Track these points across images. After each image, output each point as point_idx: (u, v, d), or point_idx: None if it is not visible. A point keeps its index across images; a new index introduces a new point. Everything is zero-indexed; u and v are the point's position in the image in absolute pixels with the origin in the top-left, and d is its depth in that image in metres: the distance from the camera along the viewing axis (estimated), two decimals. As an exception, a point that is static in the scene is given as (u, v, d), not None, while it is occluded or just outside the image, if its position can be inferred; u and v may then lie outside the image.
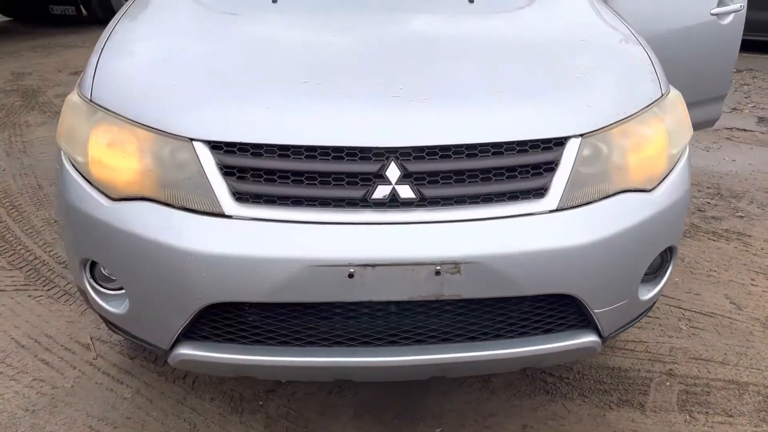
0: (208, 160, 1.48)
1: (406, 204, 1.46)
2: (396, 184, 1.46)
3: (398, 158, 1.46)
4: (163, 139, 1.53)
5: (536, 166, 1.52)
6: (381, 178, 1.46)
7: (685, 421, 2.05)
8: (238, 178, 1.48)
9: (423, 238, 1.44)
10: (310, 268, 1.42)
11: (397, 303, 1.51)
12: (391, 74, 1.67)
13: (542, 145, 1.52)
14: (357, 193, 1.46)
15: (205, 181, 1.47)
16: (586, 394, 2.15)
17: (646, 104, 1.68)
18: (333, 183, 1.47)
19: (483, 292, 1.48)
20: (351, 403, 2.11)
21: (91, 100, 1.67)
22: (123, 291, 1.64)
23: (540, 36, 1.93)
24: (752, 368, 2.28)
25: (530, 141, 1.52)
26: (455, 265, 1.43)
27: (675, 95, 1.82)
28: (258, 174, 1.48)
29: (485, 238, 1.45)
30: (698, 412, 2.08)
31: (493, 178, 1.50)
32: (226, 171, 1.48)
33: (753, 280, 2.81)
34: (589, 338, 1.63)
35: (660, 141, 1.67)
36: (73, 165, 1.67)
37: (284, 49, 1.82)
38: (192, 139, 1.50)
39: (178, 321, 1.56)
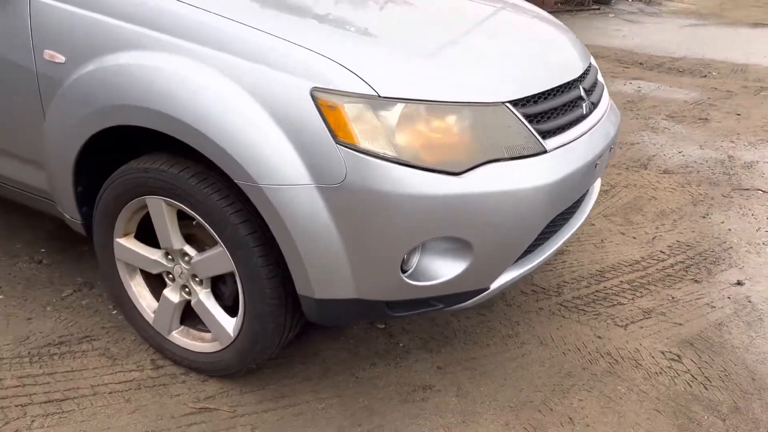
0: (519, 115, 1.86)
1: (591, 111, 2.20)
2: (587, 100, 2.17)
3: (578, 83, 2.17)
4: (482, 109, 1.79)
5: (597, 81, 2.44)
6: (582, 99, 2.14)
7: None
8: (536, 122, 1.91)
9: (606, 128, 2.22)
10: (588, 166, 2.04)
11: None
12: (499, 30, 2.27)
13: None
14: (581, 111, 2.11)
15: (527, 131, 1.85)
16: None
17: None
18: (570, 108, 2.07)
19: (608, 158, 2.37)
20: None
21: (380, 96, 1.68)
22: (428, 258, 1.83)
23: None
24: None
25: (591, 64, 2.42)
26: (612, 143, 2.28)
27: None
28: (541, 115, 1.94)
29: (614, 121, 2.34)
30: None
31: (596, 88, 2.35)
32: (529, 119, 1.89)
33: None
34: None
35: None
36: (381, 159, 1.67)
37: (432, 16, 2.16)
38: (503, 103, 1.83)
39: (516, 253, 1.92)
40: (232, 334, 2.00)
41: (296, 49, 1.72)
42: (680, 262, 3.06)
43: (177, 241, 1.99)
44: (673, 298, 2.77)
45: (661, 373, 2.31)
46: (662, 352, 2.42)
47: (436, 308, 1.94)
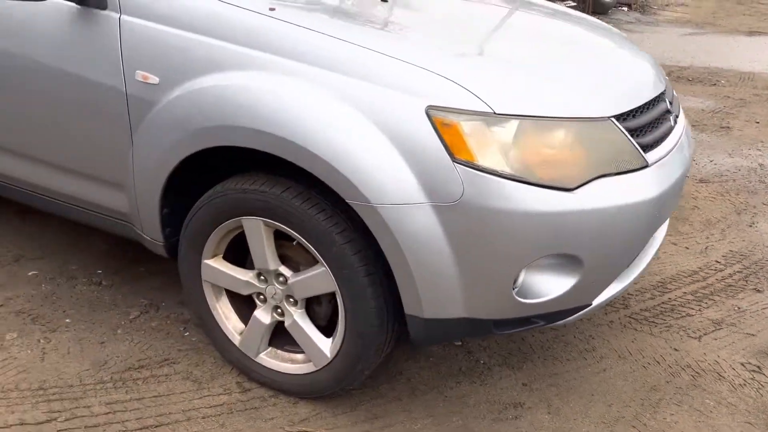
0: (624, 130, 1.85)
1: (675, 124, 2.20)
2: (672, 112, 2.17)
3: (664, 95, 2.17)
4: (591, 124, 1.79)
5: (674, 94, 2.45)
6: (669, 112, 2.15)
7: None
8: (636, 136, 1.91)
9: (687, 141, 2.23)
10: (681, 179, 2.04)
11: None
12: (582, 44, 2.27)
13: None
14: (669, 124, 2.11)
15: (631, 145, 1.85)
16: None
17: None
18: (660, 122, 2.07)
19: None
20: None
21: (495, 113, 1.67)
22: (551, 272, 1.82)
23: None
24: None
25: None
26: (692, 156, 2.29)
27: None
28: (640, 129, 1.94)
29: (690, 134, 2.34)
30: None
31: (674, 101, 2.36)
32: (630, 133, 1.89)
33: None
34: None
35: None
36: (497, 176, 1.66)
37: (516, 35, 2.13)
38: (609, 117, 1.83)
39: (622, 268, 1.91)
40: (329, 355, 1.97)
41: (409, 67, 1.71)
42: (738, 271, 3.07)
43: (273, 262, 1.97)
44: (739, 308, 2.77)
45: (745, 384, 2.31)
46: (742, 364, 2.42)
47: (537, 325, 1.93)
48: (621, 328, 2.59)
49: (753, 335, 2.59)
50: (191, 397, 2.11)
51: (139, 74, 1.95)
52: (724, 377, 2.35)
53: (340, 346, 1.94)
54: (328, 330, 2.01)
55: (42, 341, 2.37)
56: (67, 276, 2.79)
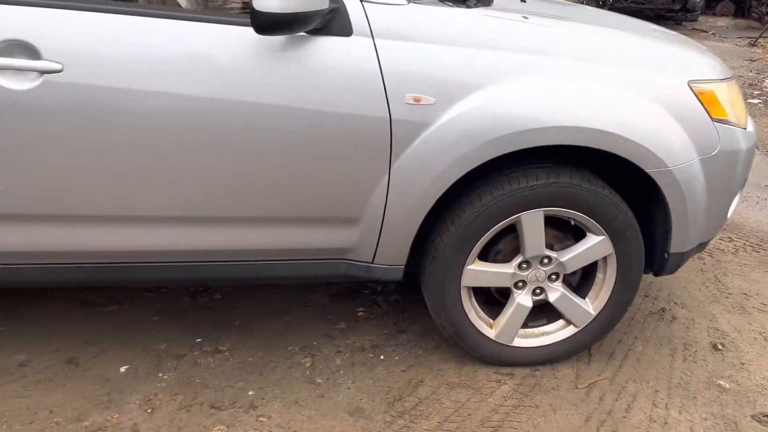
0: None
1: None
2: None
3: None
4: (735, 81, 2.39)
5: None
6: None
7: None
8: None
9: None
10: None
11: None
12: None
13: None
14: None
15: (740, 89, 2.52)
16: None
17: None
18: None
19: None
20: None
21: (722, 79, 2.17)
22: None
23: None
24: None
25: None
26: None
27: None
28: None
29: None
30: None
31: None
32: None
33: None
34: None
35: None
36: None
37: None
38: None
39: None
40: (593, 313, 2.27)
41: (669, 54, 2.10)
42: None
43: (543, 247, 2.16)
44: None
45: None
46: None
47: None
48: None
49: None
50: (479, 402, 2.17)
51: (410, 97, 1.90)
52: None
53: (606, 302, 2.26)
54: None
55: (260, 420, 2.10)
56: (173, 355, 2.39)
